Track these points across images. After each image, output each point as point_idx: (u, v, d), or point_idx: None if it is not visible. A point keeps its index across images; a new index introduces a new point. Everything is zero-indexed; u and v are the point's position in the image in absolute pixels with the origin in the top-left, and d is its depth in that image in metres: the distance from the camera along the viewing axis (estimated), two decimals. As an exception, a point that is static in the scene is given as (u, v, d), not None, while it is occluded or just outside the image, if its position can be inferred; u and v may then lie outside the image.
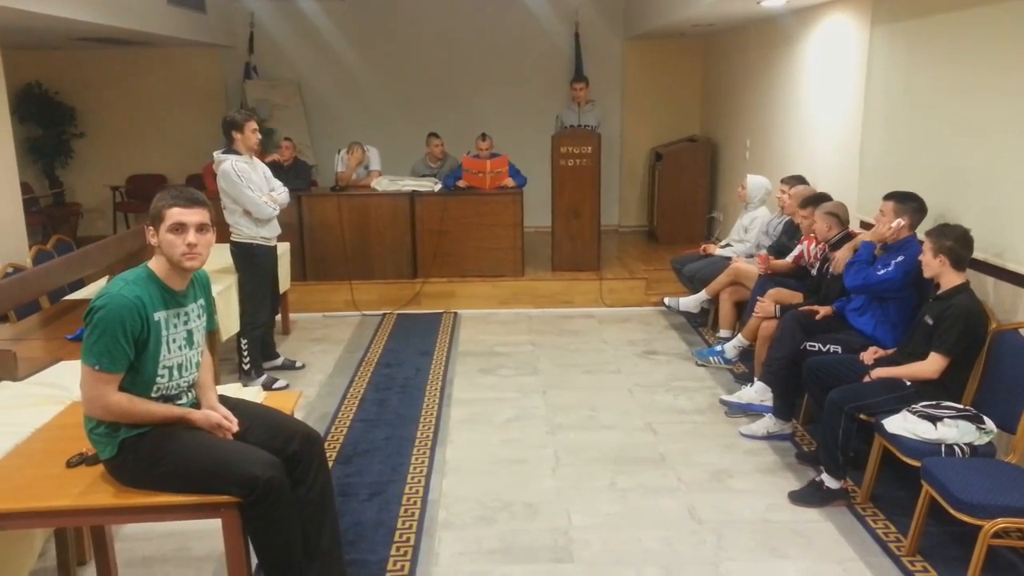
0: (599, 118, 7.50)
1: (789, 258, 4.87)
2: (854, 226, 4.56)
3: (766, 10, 5.89)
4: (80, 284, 5.00)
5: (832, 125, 5.35)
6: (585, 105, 7.43)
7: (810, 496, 3.44)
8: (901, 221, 3.75)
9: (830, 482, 3.40)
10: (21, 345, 3.81)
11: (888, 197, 3.86)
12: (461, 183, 6.77)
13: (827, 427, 3.39)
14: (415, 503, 3.49)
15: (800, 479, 3.64)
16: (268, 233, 4.83)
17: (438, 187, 6.80)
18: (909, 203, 3.79)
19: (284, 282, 5.76)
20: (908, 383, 3.33)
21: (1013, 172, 3.41)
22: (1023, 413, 3.01)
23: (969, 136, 3.73)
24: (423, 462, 3.89)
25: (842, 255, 4.14)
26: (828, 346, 3.88)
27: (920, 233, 3.83)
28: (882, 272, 3.72)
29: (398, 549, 3.13)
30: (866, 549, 3.10)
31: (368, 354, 5.56)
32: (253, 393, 3.10)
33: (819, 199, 4.62)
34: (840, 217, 4.38)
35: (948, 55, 3.91)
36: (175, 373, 2.44)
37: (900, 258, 3.71)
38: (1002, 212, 3.49)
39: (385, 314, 6.53)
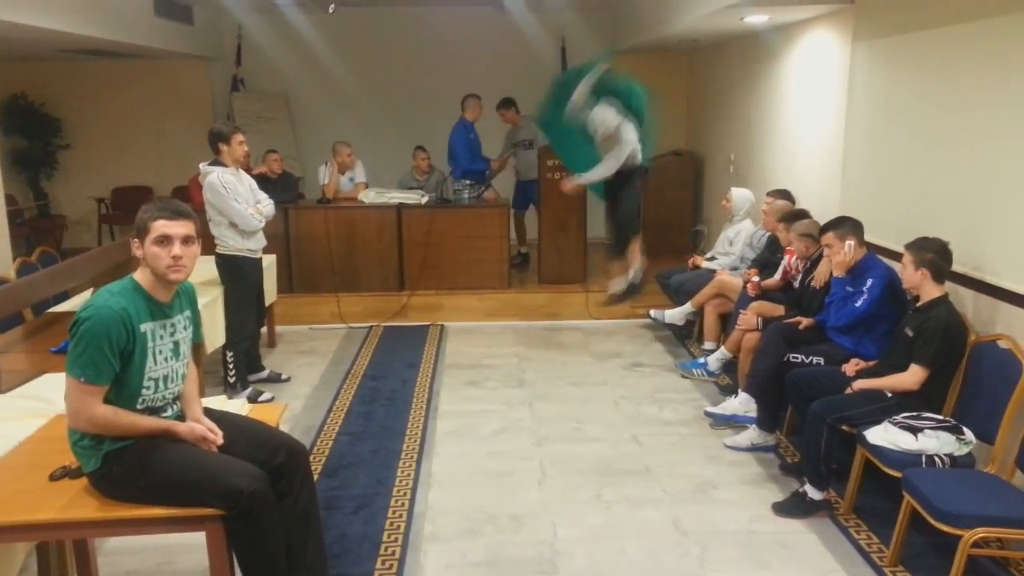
0: (535, 132, 7.63)
1: (777, 275, 4.92)
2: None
3: (750, 26, 5.97)
4: (64, 296, 4.97)
5: (815, 140, 5.41)
6: (521, 122, 7.61)
7: (793, 507, 3.46)
8: (851, 242, 3.83)
9: (813, 493, 3.42)
10: (4, 358, 3.79)
11: (823, 231, 3.99)
12: None
13: (810, 438, 3.42)
14: (400, 516, 3.48)
15: (784, 490, 3.66)
16: (254, 245, 4.83)
17: (425, 200, 6.82)
18: (844, 225, 3.90)
19: (270, 294, 5.75)
20: (889, 394, 3.37)
21: (992, 186, 3.46)
22: (1001, 424, 3.05)
23: (948, 151, 3.79)
24: (409, 475, 3.89)
25: (823, 269, 4.20)
26: (811, 357, 3.92)
27: (895, 246, 3.90)
28: (860, 303, 3.79)
29: (383, 562, 3.13)
30: (849, 560, 3.13)
31: (354, 367, 5.56)
32: (238, 406, 3.09)
33: (794, 216, 4.68)
34: (813, 236, 4.44)
35: (928, 71, 3.98)
36: (160, 385, 2.44)
37: (870, 282, 3.78)
38: (981, 226, 3.54)
39: (371, 326, 6.53)
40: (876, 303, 3.76)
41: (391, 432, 4.40)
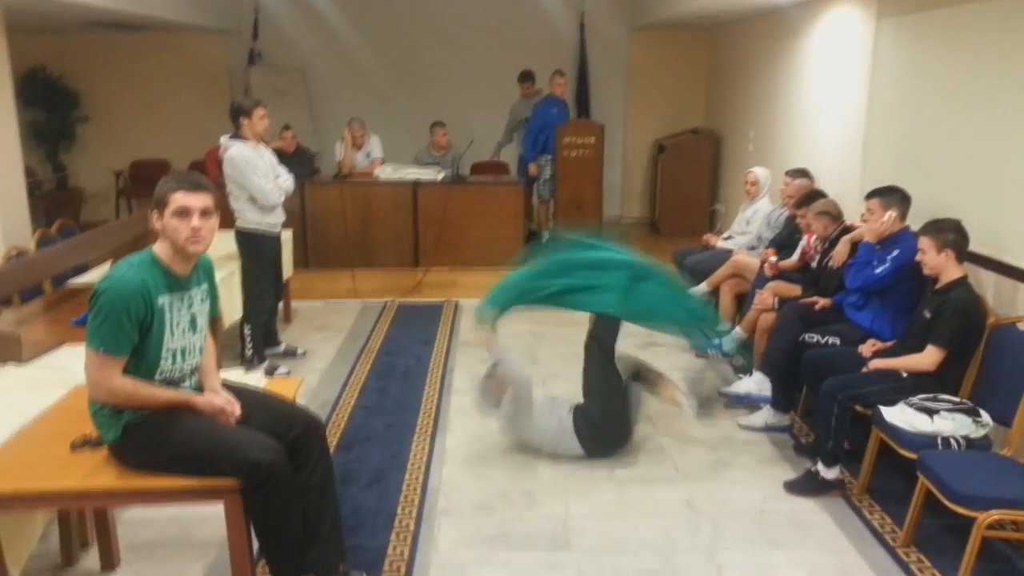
0: None
1: (795, 256, 4.88)
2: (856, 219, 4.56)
3: (772, 2, 5.88)
4: (83, 269, 5.02)
5: (836, 118, 5.34)
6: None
7: (805, 486, 3.46)
8: (892, 213, 3.78)
9: (825, 472, 3.42)
10: (25, 329, 3.83)
11: (871, 195, 3.91)
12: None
13: (820, 416, 3.43)
14: (415, 490, 3.51)
15: (797, 470, 3.66)
16: (273, 220, 4.84)
17: (441, 176, 6.81)
18: (893, 195, 3.84)
19: (287, 269, 5.77)
20: (904, 374, 3.35)
21: (1014, 167, 3.41)
22: (1019, 407, 3.03)
23: (974, 131, 3.74)
24: (423, 450, 3.91)
25: (841, 249, 4.16)
26: (827, 338, 3.89)
27: (913, 226, 3.87)
28: (879, 270, 3.76)
29: (398, 535, 3.16)
30: (862, 540, 3.13)
31: (369, 342, 5.59)
32: (255, 379, 3.12)
33: (810, 198, 4.63)
34: (832, 214, 4.40)
35: (953, 50, 3.91)
36: (179, 357, 2.46)
37: (895, 252, 3.74)
38: (1003, 206, 3.49)
39: (387, 302, 6.55)
40: (895, 274, 3.72)
41: (406, 408, 4.43)
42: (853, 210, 4.55)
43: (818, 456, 3.48)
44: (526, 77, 7.57)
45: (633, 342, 5.54)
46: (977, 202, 3.65)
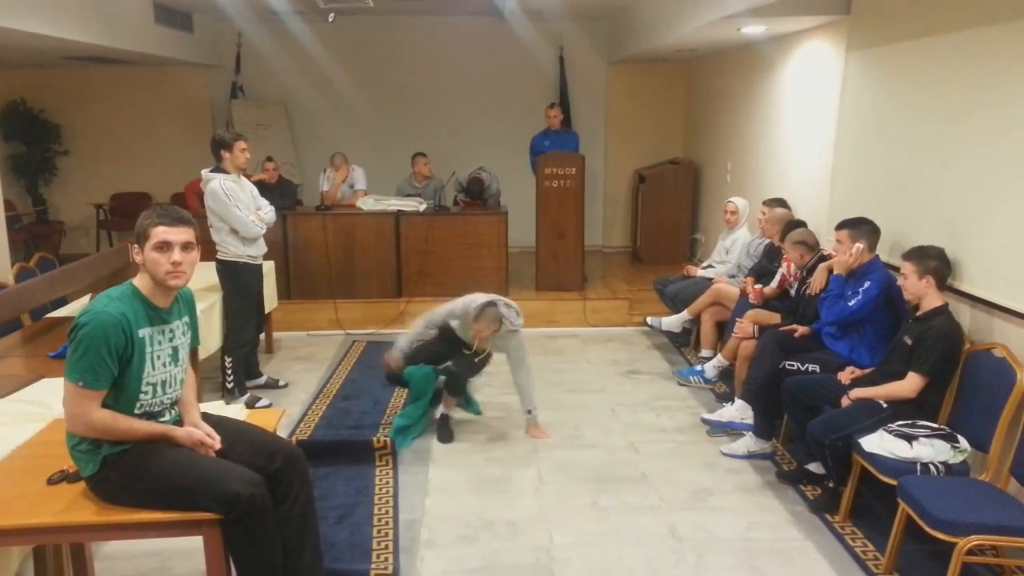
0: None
1: (774, 283, 4.94)
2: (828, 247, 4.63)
3: (746, 36, 6.01)
4: (62, 302, 4.97)
5: (808, 148, 5.45)
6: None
7: (828, 502, 3.54)
8: (860, 245, 3.84)
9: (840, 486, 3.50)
10: (2, 362, 3.80)
11: (840, 227, 3.96)
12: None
13: (818, 456, 3.50)
14: (387, 523, 3.48)
15: (780, 497, 3.68)
16: (254, 252, 4.84)
17: (423, 207, 6.84)
18: (862, 227, 3.90)
19: (270, 301, 5.75)
20: (884, 405, 3.38)
21: (975, 196, 3.49)
22: (995, 432, 3.06)
23: (935, 161, 3.82)
24: (387, 482, 3.88)
25: (819, 277, 4.22)
26: (806, 365, 3.93)
27: (883, 255, 3.93)
28: (853, 303, 3.81)
29: (375, 571, 3.12)
30: (844, 567, 3.13)
31: (335, 374, 5.56)
32: (236, 411, 3.10)
33: (788, 228, 4.71)
34: (808, 243, 4.47)
35: (916, 81, 4.01)
36: (159, 390, 2.45)
37: (867, 284, 3.79)
38: (964, 236, 3.56)
39: (354, 341, 6.50)
40: (869, 306, 3.77)
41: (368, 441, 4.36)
42: (825, 238, 4.62)
43: (831, 478, 3.54)
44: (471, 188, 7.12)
45: (616, 370, 5.57)
46: (940, 231, 3.71)
